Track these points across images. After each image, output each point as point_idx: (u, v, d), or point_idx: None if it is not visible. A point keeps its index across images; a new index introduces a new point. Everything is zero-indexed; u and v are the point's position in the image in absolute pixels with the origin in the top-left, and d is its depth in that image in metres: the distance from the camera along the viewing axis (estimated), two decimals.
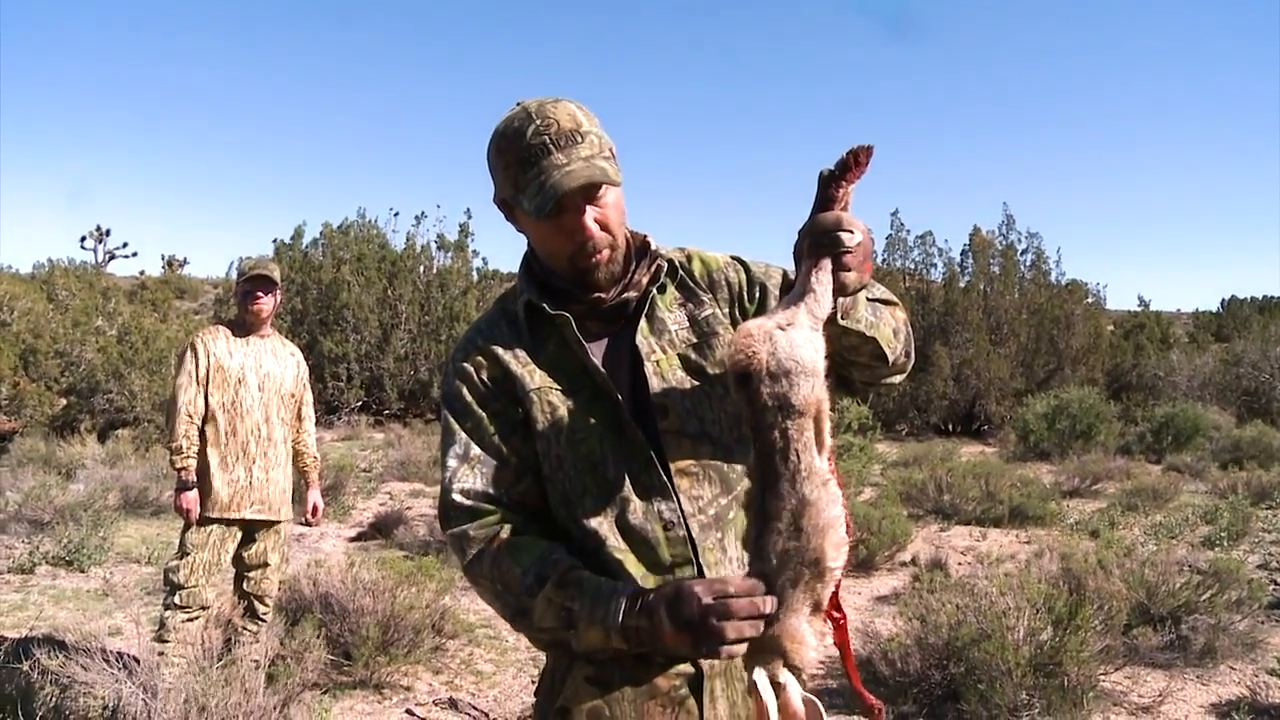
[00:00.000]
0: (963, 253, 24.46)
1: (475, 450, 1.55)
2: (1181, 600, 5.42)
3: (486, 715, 4.54)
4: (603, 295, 1.58)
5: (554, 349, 1.57)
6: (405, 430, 18.37)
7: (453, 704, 4.69)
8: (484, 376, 1.58)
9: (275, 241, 23.56)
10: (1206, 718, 4.68)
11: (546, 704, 1.58)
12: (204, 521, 4.29)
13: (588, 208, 1.49)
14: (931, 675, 4.62)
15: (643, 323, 1.59)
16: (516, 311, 1.61)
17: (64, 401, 15.13)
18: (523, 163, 1.46)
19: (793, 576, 1.26)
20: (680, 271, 1.66)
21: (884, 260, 24.39)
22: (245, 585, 4.49)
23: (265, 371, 4.45)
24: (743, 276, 1.68)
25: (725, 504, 1.55)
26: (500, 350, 1.59)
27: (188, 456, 4.26)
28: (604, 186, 1.49)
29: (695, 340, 1.61)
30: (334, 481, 9.89)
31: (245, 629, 4.47)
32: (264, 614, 4.51)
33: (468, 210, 32.11)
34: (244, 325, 4.48)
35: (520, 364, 1.57)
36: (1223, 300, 39.96)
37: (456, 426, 1.58)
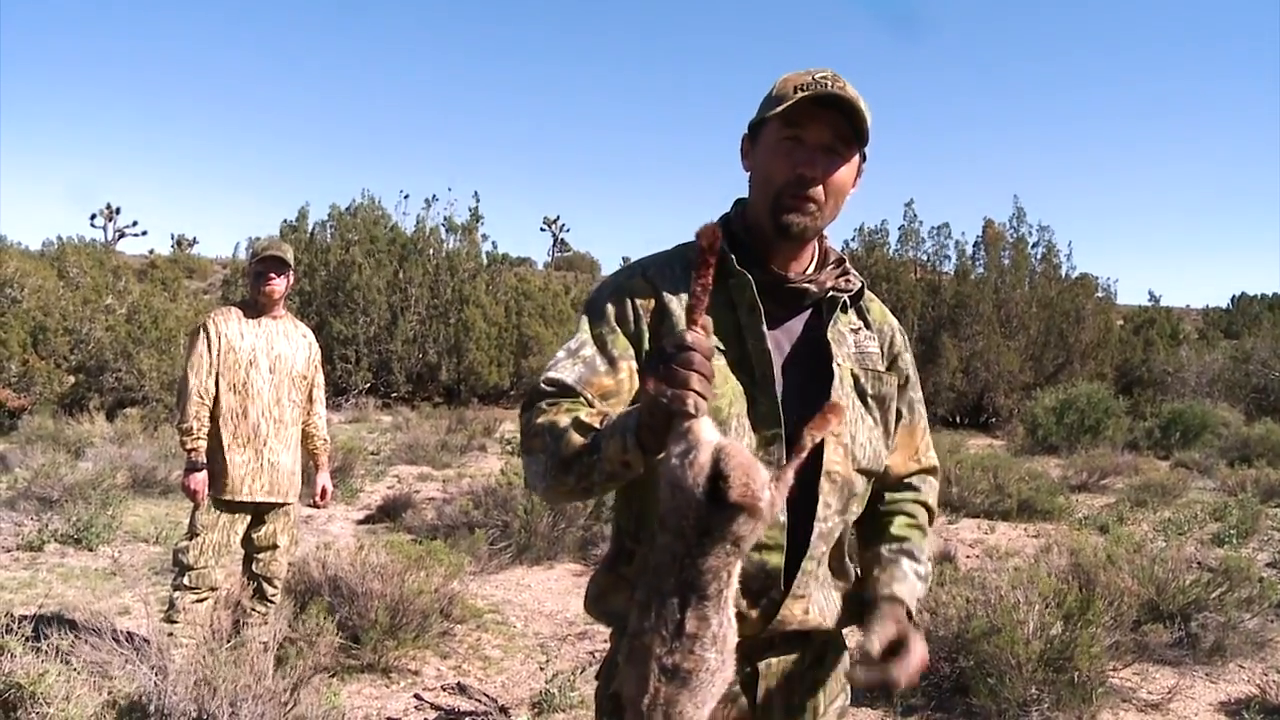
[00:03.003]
0: (975, 245, 24.41)
1: (587, 351, 1.56)
2: (1191, 597, 5.40)
3: (495, 701, 4.54)
4: (787, 274, 1.60)
5: (718, 306, 1.55)
6: (413, 413, 18.43)
7: (461, 689, 4.69)
8: (638, 302, 1.59)
9: (283, 223, 23.60)
10: (1216, 716, 4.67)
11: (604, 689, 1.61)
12: (214, 503, 4.29)
13: (823, 151, 1.53)
14: (941, 668, 4.61)
15: (832, 326, 1.62)
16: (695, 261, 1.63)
17: (73, 379, 15.16)
18: (799, 88, 1.51)
19: (715, 692, 1.29)
20: (862, 301, 1.71)
21: (896, 252, 24.36)
22: (254, 567, 4.48)
23: (277, 353, 4.44)
24: (901, 351, 1.74)
25: (837, 523, 1.59)
26: (664, 287, 1.59)
27: (198, 438, 4.25)
28: (845, 150, 1.55)
29: (860, 366, 1.65)
30: (342, 464, 9.91)
31: (254, 611, 4.47)
32: (273, 596, 4.51)
33: (476, 194, 32.09)
34: (256, 306, 4.47)
35: (680, 305, 1.57)
36: (1233, 297, 39.88)
37: (586, 327, 1.59)
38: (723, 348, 1.54)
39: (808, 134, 1.52)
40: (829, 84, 1.50)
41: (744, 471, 1.22)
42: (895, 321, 1.76)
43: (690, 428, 1.24)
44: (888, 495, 1.74)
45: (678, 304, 1.57)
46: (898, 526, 1.71)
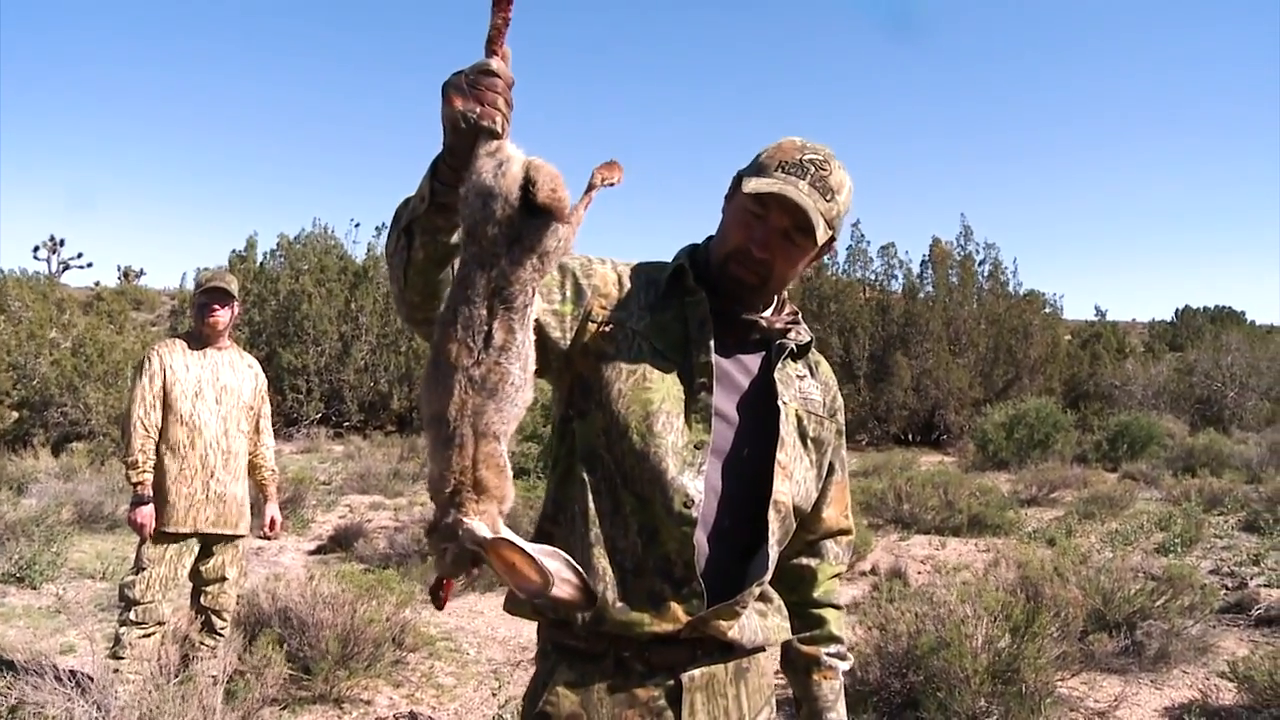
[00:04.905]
0: (922, 263, 24.71)
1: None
2: (1136, 606, 5.50)
3: None
4: (747, 310, 1.66)
5: (670, 317, 1.63)
6: (365, 442, 18.28)
7: (413, 718, 4.66)
8: (609, 271, 1.66)
9: (232, 253, 23.43)
10: None
11: (529, 708, 1.61)
12: (160, 536, 4.24)
13: (780, 236, 1.58)
14: (891, 684, 4.65)
15: (780, 366, 1.67)
16: (657, 277, 1.68)
17: (16, 415, 14.90)
18: (783, 165, 1.58)
19: (516, 413, 1.30)
20: (811, 355, 1.78)
21: (844, 271, 24.58)
22: (203, 600, 4.43)
23: (223, 384, 4.41)
24: (840, 409, 1.80)
25: (777, 552, 1.62)
26: (631, 282, 1.66)
27: (144, 470, 4.21)
28: (801, 240, 1.58)
29: (805, 410, 1.70)
30: (293, 494, 9.83)
31: (203, 644, 4.41)
32: (222, 629, 4.46)
33: None
34: (201, 338, 4.44)
35: (635, 303, 1.63)
36: (1177, 310, 40.65)
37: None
38: (668, 355, 1.59)
39: (771, 215, 1.57)
40: (810, 172, 1.56)
41: (552, 178, 1.26)
42: (836, 384, 1.83)
43: (500, 146, 1.27)
44: (822, 569, 1.80)
45: (633, 300, 1.63)
46: (834, 622, 1.81)
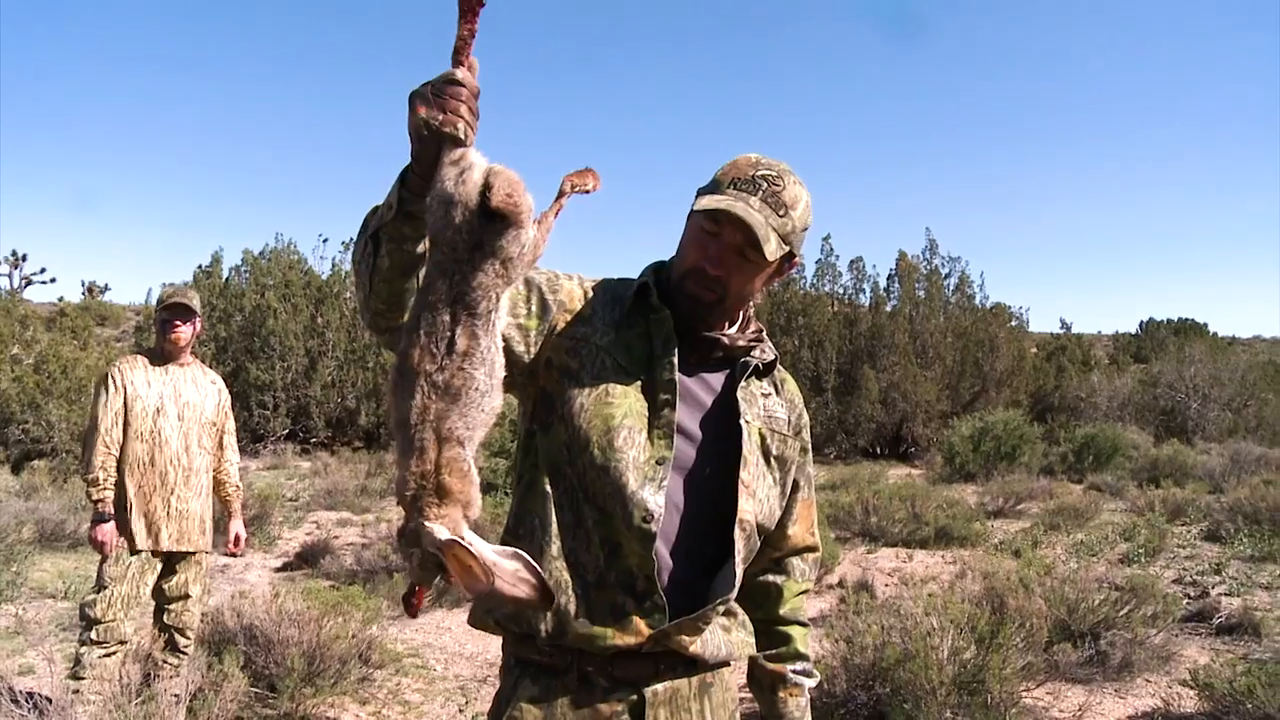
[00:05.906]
0: (889, 277, 24.85)
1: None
2: (1100, 616, 5.55)
3: None
4: (709, 329, 1.67)
5: (635, 334, 1.64)
6: (332, 459, 18.13)
7: None
8: (575, 287, 1.68)
9: (198, 268, 23.27)
10: None
11: None
12: (122, 554, 4.20)
13: (734, 253, 1.59)
14: (858, 696, 4.66)
15: (744, 384, 1.69)
16: (623, 294, 1.69)
17: None
18: (736, 181, 1.59)
19: (484, 420, 1.32)
20: (776, 373, 1.79)
21: (813, 284, 24.68)
22: (166, 618, 4.39)
23: (185, 400, 4.38)
24: (805, 427, 1.81)
25: (743, 570, 1.63)
26: (597, 299, 1.68)
27: (104, 488, 4.17)
28: (754, 256, 1.57)
29: (768, 428, 1.71)
30: (259, 511, 9.73)
31: (166, 663, 4.37)
32: (185, 647, 4.42)
33: None
34: (163, 354, 4.41)
35: (600, 319, 1.65)
36: (1141, 322, 41.12)
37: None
38: (631, 371, 1.60)
39: (724, 232, 1.58)
40: (763, 188, 1.57)
41: (509, 183, 1.28)
42: (801, 401, 1.84)
43: (464, 154, 1.29)
44: (788, 587, 1.81)
45: (596, 316, 1.64)
46: (800, 640, 1.82)
